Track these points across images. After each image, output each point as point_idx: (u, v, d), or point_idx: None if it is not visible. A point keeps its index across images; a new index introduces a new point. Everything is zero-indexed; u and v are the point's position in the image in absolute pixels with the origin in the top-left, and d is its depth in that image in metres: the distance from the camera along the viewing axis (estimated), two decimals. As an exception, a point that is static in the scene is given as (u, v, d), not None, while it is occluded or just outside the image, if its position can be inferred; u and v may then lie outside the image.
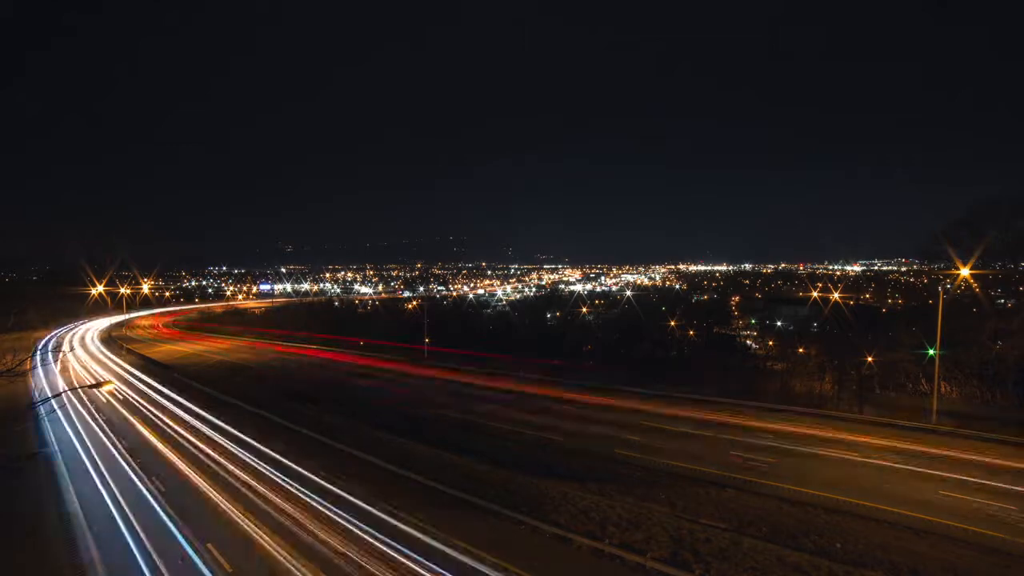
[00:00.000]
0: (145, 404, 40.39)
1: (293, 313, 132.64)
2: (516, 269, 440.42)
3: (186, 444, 30.44)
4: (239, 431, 32.42)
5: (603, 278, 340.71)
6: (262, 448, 29.16)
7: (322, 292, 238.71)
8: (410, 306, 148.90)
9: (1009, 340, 38.28)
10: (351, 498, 22.34)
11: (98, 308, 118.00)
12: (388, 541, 18.70)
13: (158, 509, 21.92)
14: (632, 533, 18.91)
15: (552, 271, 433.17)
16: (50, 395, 42.72)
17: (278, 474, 25.34)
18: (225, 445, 30.10)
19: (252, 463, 27.02)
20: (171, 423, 34.90)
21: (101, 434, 32.73)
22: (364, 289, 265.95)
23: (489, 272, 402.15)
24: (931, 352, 36.48)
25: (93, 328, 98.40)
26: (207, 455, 28.42)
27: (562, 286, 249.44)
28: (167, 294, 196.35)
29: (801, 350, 52.68)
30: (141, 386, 47.34)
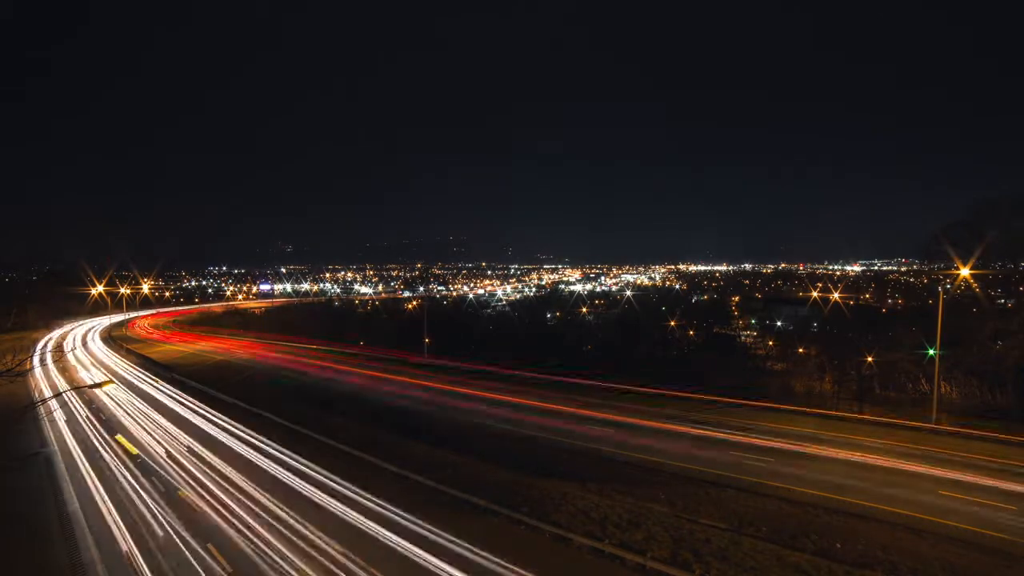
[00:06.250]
0: (145, 404, 40.38)
1: (293, 313, 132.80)
2: (516, 269, 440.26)
3: (186, 444, 30.43)
4: (239, 431, 32.46)
5: (603, 278, 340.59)
6: (262, 448, 29.20)
7: (322, 292, 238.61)
8: (410, 306, 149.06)
9: (1009, 340, 38.27)
10: (354, 499, 22.38)
11: (98, 308, 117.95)
12: (389, 541, 18.73)
13: (158, 509, 21.92)
14: (632, 533, 18.91)
15: (552, 271, 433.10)
16: (50, 395, 42.71)
17: (278, 474, 25.36)
18: (225, 444, 30.11)
19: (251, 462, 27.04)
20: (171, 423, 34.90)
21: (101, 434, 32.73)
22: (364, 289, 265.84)
23: (489, 272, 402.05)
24: (931, 352, 36.52)
25: (93, 328, 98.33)
26: (207, 455, 28.41)
27: (562, 286, 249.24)
28: (167, 294, 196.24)
29: (801, 350, 52.78)
30: (141, 386, 47.33)
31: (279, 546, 18.54)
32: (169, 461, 27.67)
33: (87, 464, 27.53)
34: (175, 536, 19.60)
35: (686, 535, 18.67)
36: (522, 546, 18.36)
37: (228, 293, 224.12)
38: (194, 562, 17.82)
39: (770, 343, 65.95)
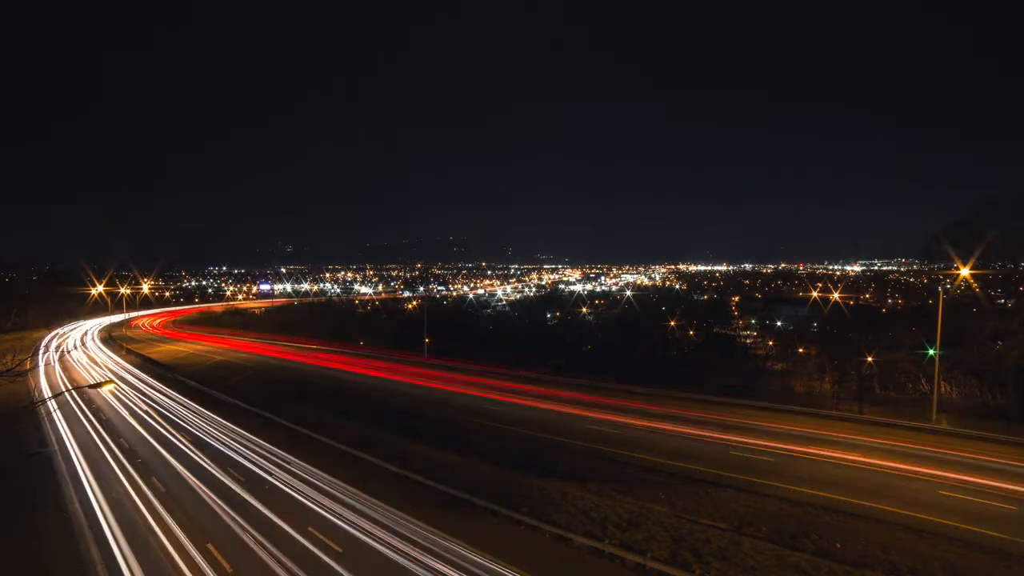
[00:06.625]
0: (145, 404, 40.39)
1: (293, 313, 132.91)
2: (516, 269, 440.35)
3: (186, 444, 30.43)
4: (238, 431, 32.46)
5: (603, 278, 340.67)
6: (262, 448, 29.19)
7: (322, 292, 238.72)
8: (410, 306, 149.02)
9: (1009, 340, 38.23)
10: (351, 500, 22.38)
11: (98, 308, 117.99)
12: (389, 541, 18.73)
13: (159, 508, 21.92)
14: (632, 533, 18.91)
15: (552, 271, 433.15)
16: (50, 395, 42.70)
17: (279, 476, 25.36)
18: (225, 443, 30.10)
19: (252, 463, 27.04)
20: (171, 423, 34.90)
21: (101, 434, 32.73)
22: (364, 289, 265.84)
23: (489, 272, 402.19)
24: (931, 352, 36.52)
25: (93, 328, 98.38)
26: (206, 455, 28.40)
27: (562, 286, 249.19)
28: (167, 294, 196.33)
29: (801, 350, 52.75)
30: (141, 386, 47.35)
31: (276, 546, 18.58)
32: (169, 461, 27.68)
33: (87, 464, 27.53)
34: (176, 536, 19.62)
35: (686, 535, 18.67)
36: (522, 546, 18.36)
37: (228, 293, 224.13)
38: (197, 559, 17.84)
39: (770, 343, 65.85)
